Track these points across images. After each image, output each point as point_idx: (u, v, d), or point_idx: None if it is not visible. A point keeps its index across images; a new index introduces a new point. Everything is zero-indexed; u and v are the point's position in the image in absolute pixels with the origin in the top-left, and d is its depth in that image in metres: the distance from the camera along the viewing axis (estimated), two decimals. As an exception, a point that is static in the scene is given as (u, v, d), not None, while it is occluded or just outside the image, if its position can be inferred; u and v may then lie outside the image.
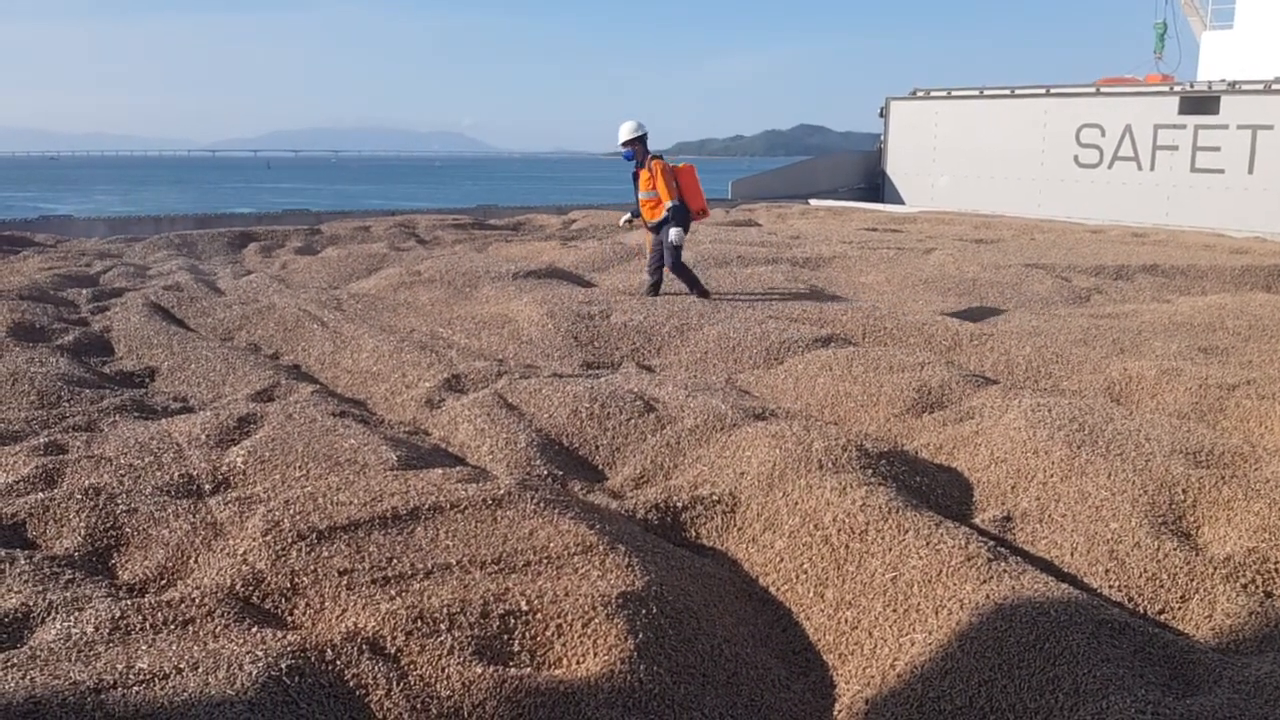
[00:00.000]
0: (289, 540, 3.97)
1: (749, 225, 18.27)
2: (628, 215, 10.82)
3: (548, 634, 3.52)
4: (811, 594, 4.29)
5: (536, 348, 8.19)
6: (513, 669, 3.32)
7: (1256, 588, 4.10)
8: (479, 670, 3.26)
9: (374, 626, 3.46)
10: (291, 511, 4.17)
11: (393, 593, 3.68)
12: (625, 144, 10.06)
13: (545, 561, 3.94)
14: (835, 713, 3.59)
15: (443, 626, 3.46)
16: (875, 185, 24.05)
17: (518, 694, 3.17)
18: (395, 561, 3.90)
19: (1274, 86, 17.21)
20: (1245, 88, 17.57)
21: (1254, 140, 17.19)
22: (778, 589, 4.42)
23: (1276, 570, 4.17)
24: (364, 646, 3.35)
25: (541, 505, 4.33)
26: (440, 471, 4.77)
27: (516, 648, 3.47)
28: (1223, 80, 18.52)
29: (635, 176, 10.18)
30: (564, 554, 3.99)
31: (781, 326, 8.56)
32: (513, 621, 3.55)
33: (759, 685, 3.60)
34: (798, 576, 4.40)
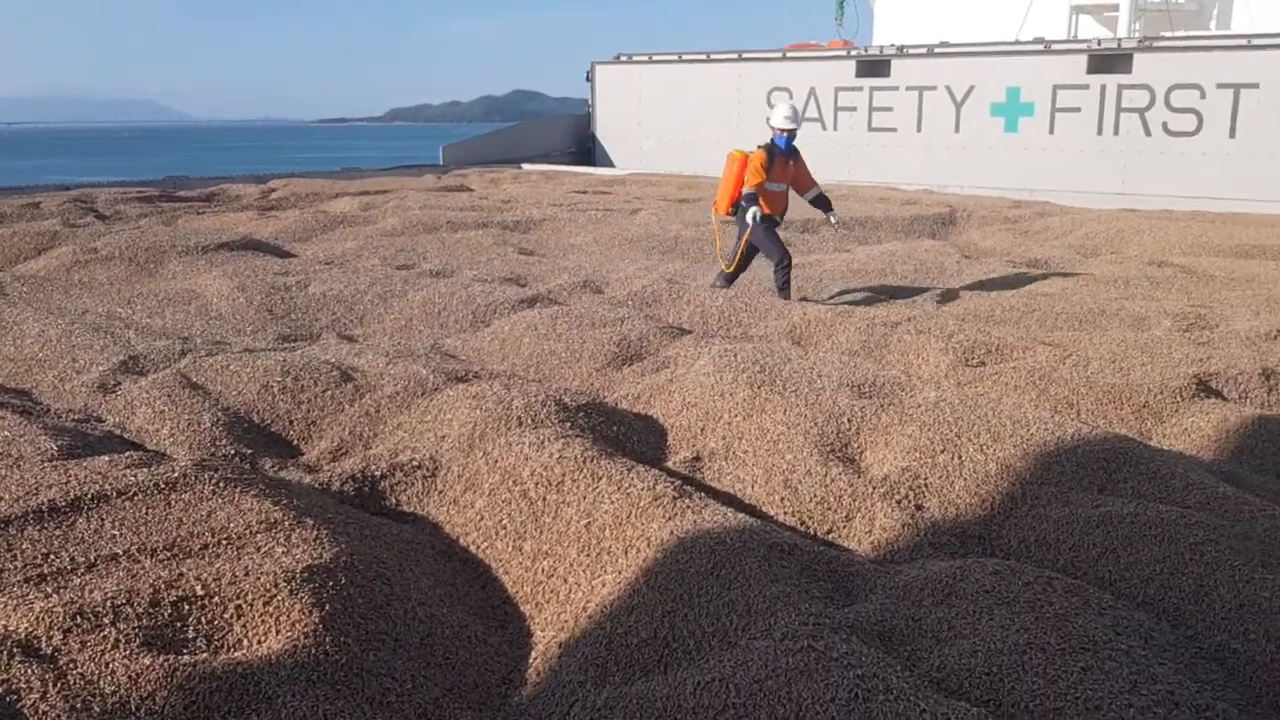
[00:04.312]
0: (-77, 546, 3.57)
1: (460, 190, 18.07)
2: (755, 210, 8.51)
3: (226, 617, 3.36)
4: (510, 548, 4.34)
5: (227, 323, 7.76)
6: (186, 656, 3.15)
7: (909, 502, 4.52)
8: (147, 661, 3.06)
9: (27, 627, 3.17)
10: (-73, 515, 3.75)
11: (49, 590, 3.39)
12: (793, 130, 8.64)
13: (225, 543, 3.76)
14: (531, 660, 3.66)
15: (106, 620, 3.23)
16: (586, 149, 24.38)
17: (191, 681, 3.01)
18: (53, 557, 3.59)
19: (936, 50, 18.84)
20: (912, 51, 19.13)
21: (920, 100, 18.78)
22: (478, 547, 4.43)
23: (926, 485, 4.63)
24: (15, 649, 3.07)
25: (221, 485, 4.12)
26: (107, 458, 4.43)
27: (191, 634, 3.29)
28: (893, 45, 20.07)
29: (773, 163, 8.55)
30: (245, 533, 3.82)
31: (488, 289, 8.55)
32: (187, 608, 3.36)
33: (454, 643, 3.61)
34: (497, 532, 4.44)
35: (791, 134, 8.63)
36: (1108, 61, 16.89)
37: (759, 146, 8.64)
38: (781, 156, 8.63)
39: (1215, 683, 3.28)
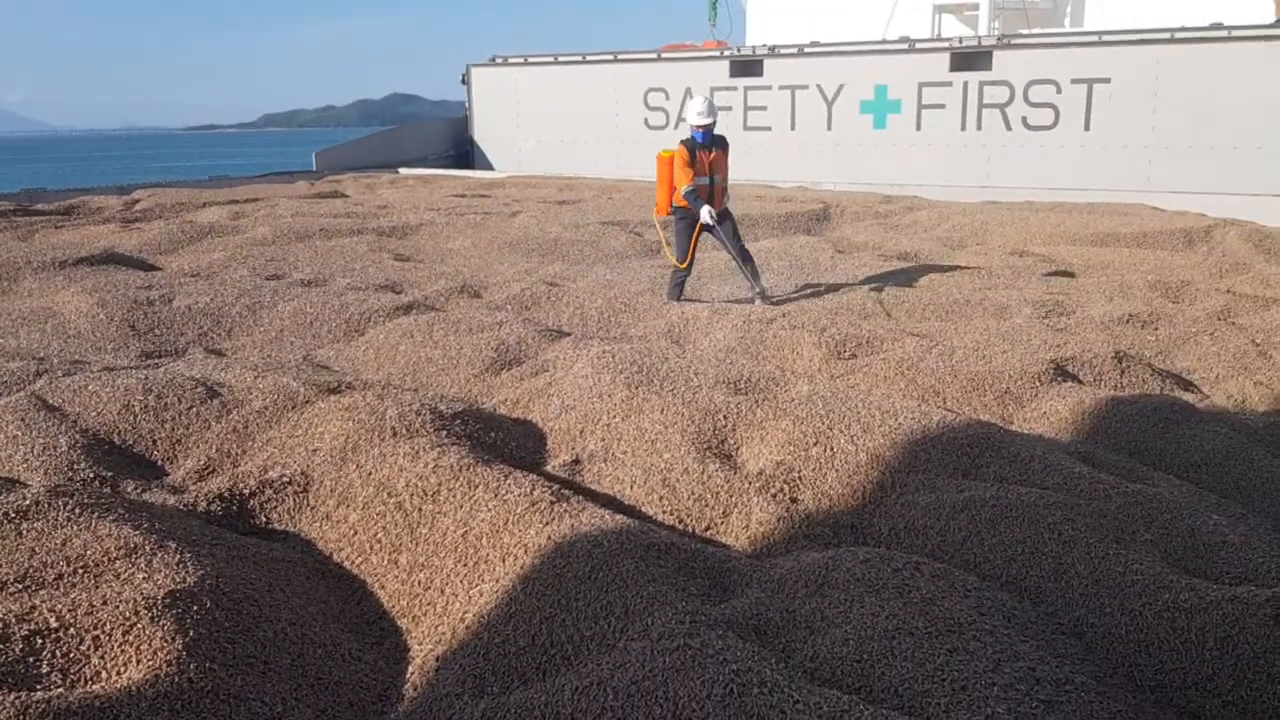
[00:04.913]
0: None
1: (335, 197, 17.68)
2: (709, 208, 8.67)
3: (83, 649, 3.22)
4: (386, 562, 4.27)
5: (86, 341, 7.44)
6: (39, 692, 3.00)
7: (784, 495, 4.60)
8: (-4, 702, 2.91)
9: None
10: None
11: (-114, 633, 3.20)
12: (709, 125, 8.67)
13: (81, 571, 3.60)
14: (408, 675, 3.60)
15: (-49, 660, 3.06)
16: (465, 152, 24.12)
17: (44, 718, 2.87)
18: (-110, 598, 3.39)
19: (807, 50, 19.21)
20: (783, 51, 19.46)
21: (793, 99, 19.13)
22: (352, 562, 4.34)
23: (800, 478, 4.71)
24: None
25: (77, 511, 3.95)
26: (-48, 489, 4.20)
27: (45, 669, 3.14)
28: (765, 45, 20.39)
29: (695, 158, 8.63)
30: (104, 560, 3.66)
31: (362, 297, 8.38)
32: (40, 641, 3.21)
33: (327, 662, 3.53)
34: (372, 547, 4.35)
35: (708, 128, 8.65)
36: (969, 59, 17.48)
37: (680, 143, 8.73)
38: (702, 150, 8.65)
39: (1074, 656, 3.42)
